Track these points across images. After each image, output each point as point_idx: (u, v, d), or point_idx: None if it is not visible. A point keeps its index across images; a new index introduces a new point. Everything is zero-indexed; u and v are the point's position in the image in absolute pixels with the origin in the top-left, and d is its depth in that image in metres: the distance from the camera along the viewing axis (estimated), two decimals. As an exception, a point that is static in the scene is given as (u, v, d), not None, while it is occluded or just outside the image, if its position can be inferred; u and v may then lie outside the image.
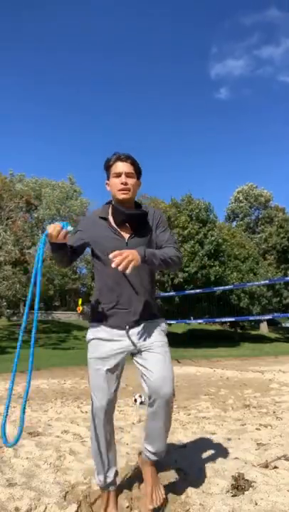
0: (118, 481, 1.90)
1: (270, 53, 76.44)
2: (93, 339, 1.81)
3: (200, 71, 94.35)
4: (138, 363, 1.78)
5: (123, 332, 1.78)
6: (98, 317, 1.82)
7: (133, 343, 1.77)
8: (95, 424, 1.77)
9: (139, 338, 1.77)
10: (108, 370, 1.76)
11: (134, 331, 1.78)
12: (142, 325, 1.80)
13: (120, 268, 1.54)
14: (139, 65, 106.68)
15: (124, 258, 1.55)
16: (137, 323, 1.79)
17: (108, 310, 1.80)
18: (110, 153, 1.86)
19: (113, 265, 1.55)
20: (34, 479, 2.16)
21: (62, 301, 33.33)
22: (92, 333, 1.83)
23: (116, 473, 1.85)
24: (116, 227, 1.81)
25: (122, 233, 1.80)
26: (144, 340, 1.77)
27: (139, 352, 1.77)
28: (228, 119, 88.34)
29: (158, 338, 1.78)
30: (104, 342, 1.78)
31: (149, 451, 1.80)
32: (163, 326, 1.88)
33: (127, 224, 1.80)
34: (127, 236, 1.79)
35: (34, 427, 3.40)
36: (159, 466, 2.26)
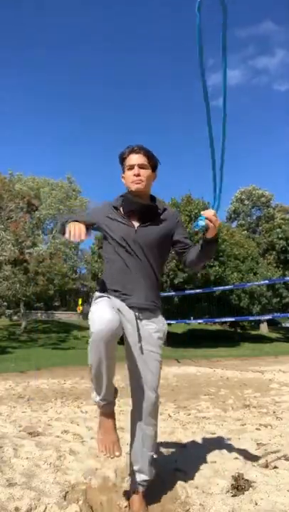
0: (116, 400, 1.79)
1: (266, 64, 78.52)
2: (104, 296, 1.72)
3: (197, 80, 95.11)
4: (128, 364, 1.79)
5: (132, 315, 1.76)
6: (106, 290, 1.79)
7: (137, 330, 1.76)
8: (95, 350, 1.56)
9: (142, 334, 1.77)
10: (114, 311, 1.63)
11: (140, 321, 1.77)
12: (146, 320, 1.79)
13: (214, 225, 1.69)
14: (139, 67, 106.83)
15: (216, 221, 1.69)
16: (141, 312, 1.78)
17: (115, 295, 1.77)
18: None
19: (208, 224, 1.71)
20: (34, 479, 2.16)
21: (62, 301, 33.32)
22: (102, 295, 1.73)
23: (115, 391, 1.75)
24: (124, 215, 1.83)
25: (132, 222, 1.82)
26: (144, 342, 1.76)
27: (133, 350, 1.76)
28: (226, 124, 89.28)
29: (155, 348, 1.78)
30: (115, 300, 1.74)
31: (134, 477, 1.79)
32: (163, 328, 1.86)
33: (135, 214, 1.82)
34: (136, 225, 1.81)
35: (34, 427, 3.39)
36: (158, 466, 2.27)
